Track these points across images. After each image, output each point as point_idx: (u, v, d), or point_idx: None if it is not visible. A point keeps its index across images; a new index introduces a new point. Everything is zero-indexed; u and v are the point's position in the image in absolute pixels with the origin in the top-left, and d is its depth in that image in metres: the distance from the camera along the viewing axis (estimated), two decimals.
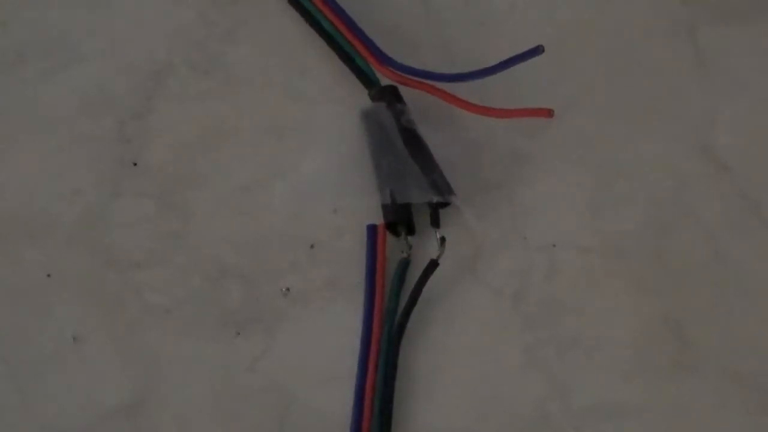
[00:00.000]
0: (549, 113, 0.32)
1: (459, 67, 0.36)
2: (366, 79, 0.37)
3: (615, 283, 0.35)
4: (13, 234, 0.35)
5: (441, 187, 0.34)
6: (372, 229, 0.35)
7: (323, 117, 0.37)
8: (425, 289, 0.34)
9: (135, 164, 0.36)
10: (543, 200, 0.36)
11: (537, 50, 0.31)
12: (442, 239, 0.34)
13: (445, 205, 0.35)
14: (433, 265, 0.34)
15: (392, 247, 0.35)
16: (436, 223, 0.35)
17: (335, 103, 0.37)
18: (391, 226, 0.35)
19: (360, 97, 0.37)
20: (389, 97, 0.36)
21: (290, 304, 0.34)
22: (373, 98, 0.37)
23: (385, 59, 0.36)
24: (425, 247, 0.35)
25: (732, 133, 0.37)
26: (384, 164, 0.35)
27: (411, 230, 0.35)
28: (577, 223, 0.36)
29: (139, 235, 0.35)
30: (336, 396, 0.33)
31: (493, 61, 0.33)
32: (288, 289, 0.35)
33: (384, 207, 0.35)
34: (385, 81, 0.37)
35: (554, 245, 0.35)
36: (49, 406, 0.33)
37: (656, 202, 0.36)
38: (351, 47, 0.37)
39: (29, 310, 0.34)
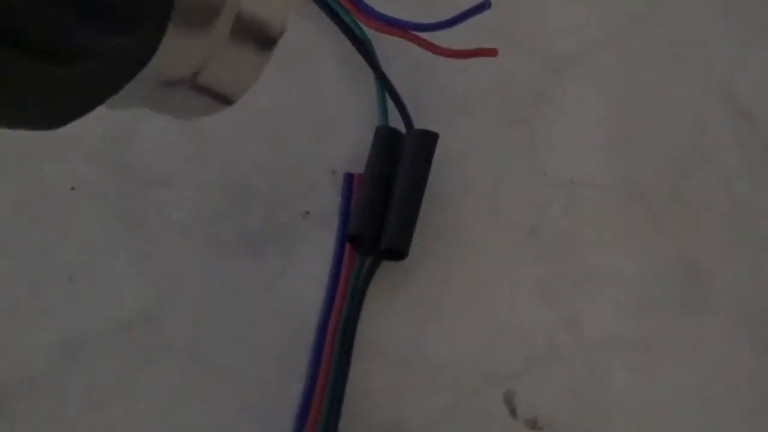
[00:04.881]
0: (494, 52, 0.32)
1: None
2: (348, 29, 0.36)
3: (631, 221, 0.35)
4: (38, 149, 0.36)
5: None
6: (348, 178, 0.35)
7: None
8: (442, 221, 0.34)
9: None
10: (565, 137, 0.36)
11: (484, 5, 0.30)
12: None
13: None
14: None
15: None
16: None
17: None
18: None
19: None
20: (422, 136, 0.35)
21: (309, 227, 0.35)
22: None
23: (366, 10, 0.35)
24: None
25: (755, 82, 0.37)
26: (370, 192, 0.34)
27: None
28: (597, 162, 0.36)
29: (163, 155, 0.36)
30: None
31: None
32: (308, 213, 0.35)
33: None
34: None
35: (573, 182, 0.36)
36: (67, 315, 0.33)
37: (676, 146, 0.36)
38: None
39: (51, 221, 0.35)
